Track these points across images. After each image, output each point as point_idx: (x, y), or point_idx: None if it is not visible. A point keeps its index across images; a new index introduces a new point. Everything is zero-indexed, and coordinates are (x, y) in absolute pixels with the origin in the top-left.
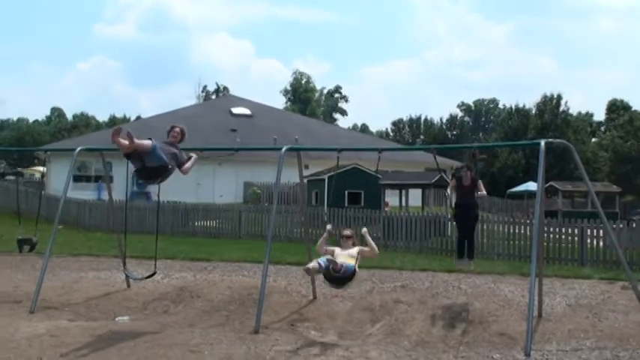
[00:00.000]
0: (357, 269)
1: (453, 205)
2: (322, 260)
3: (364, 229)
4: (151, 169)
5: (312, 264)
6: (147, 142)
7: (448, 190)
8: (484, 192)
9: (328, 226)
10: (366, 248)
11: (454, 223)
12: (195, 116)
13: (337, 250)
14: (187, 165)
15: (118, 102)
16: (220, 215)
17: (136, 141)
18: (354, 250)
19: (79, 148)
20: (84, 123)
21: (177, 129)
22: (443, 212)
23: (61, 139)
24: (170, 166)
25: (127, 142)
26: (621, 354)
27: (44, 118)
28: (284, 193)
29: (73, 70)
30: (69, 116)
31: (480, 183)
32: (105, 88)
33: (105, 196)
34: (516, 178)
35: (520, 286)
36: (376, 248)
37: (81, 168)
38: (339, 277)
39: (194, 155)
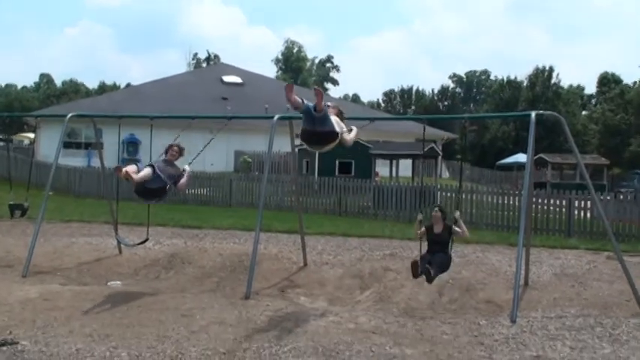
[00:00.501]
0: (339, 136)
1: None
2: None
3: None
4: (151, 190)
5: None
6: (147, 172)
7: (418, 231)
8: (465, 233)
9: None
10: (348, 135)
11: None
12: (186, 84)
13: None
14: (183, 181)
15: (107, 69)
16: (211, 183)
17: (136, 177)
18: (342, 124)
19: (70, 114)
20: (73, 89)
21: (176, 147)
22: (433, 182)
23: (50, 106)
24: (168, 186)
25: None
26: (604, 321)
27: (33, 85)
28: (275, 162)
29: (61, 35)
30: (58, 83)
31: (455, 228)
32: (94, 54)
33: (95, 162)
34: (506, 150)
35: (507, 256)
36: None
37: (71, 135)
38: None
39: (187, 168)
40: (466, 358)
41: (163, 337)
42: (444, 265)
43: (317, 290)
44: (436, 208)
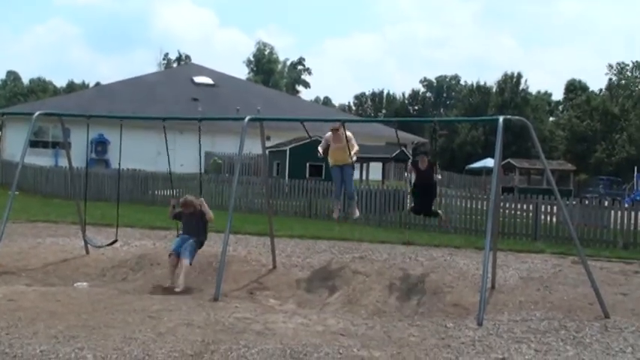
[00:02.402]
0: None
1: (412, 184)
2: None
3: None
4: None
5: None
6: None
7: (406, 174)
8: (439, 176)
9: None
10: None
11: (411, 196)
12: (156, 84)
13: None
14: (208, 214)
15: (76, 67)
16: (181, 184)
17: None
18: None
19: (37, 113)
20: (41, 88)
21: (185, 202)
22: (402, 186)
23: (16, 104)
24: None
25: None
26: (569, 324)
27: None
28: (245, 163)
29: (29, 33)
30: (25, 81)
31: (437, 167)
32: (63, 52)
33: (62, 162)
34: (475, 155)
35: (475, 259)
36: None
37: (38, 133)
38: None
39: (202, 200)
40: None
41: (130, 339)
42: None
43: (286, 292)
44: (422, 155)
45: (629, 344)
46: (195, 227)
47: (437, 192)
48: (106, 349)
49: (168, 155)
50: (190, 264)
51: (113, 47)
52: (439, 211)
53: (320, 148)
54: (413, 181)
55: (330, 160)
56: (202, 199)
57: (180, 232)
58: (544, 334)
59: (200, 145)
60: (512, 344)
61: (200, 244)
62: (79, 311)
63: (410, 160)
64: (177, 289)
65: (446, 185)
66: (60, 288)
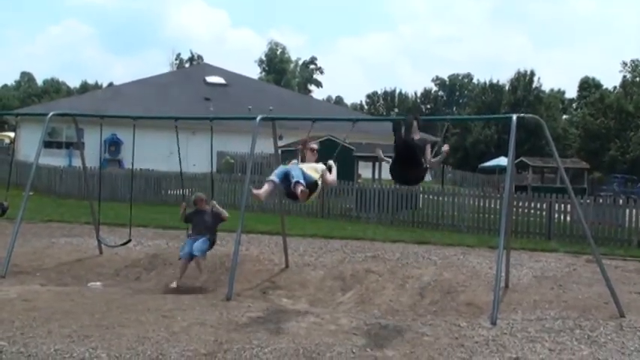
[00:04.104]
0: (319, 183)
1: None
2: (276, 174)
3: (331, 161)
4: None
5: (264, 186)
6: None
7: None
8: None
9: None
10: (329, 175)
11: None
12: (168, 84)
13: (301, 164)
14: (223, 213)
15: (89, 68)
16: (193, 184)
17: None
18: (320, 166)
19: (51, 113)
20: (54, 89)
21: (197, 199)
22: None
23: (30, 105)
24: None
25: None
26: (583, 323)
27: (13, 83)
28: (257, 163)
29: (43, 34)
30: (39, 81)
31: (428, 148)
32: (76, 53)
33: (76, 162)
34: (488, 153)
35: (488, 258)
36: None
37: (51, 134)
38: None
39: (214, 202)
40: None
41: (143, 338)
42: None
43: (298, 292)
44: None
45: None
46: (205, 227)
47: (424, 175)
48: (120, 348)
49: (179, 155)
50: (204, 258)
51: (126, 48)
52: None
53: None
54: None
55: None
56: (214, 202)
57: (190, 232)
58: (558, 333)
59: (212, 144)
60: (526, 344)
61: (211, 243)
62: (92, 311)
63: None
64: (198, 283)
65: (459, 184)
66: (74, 288)
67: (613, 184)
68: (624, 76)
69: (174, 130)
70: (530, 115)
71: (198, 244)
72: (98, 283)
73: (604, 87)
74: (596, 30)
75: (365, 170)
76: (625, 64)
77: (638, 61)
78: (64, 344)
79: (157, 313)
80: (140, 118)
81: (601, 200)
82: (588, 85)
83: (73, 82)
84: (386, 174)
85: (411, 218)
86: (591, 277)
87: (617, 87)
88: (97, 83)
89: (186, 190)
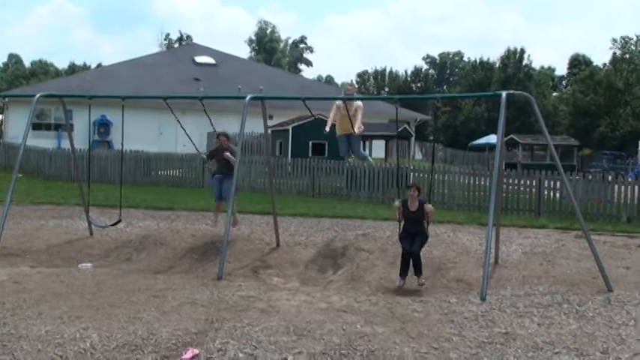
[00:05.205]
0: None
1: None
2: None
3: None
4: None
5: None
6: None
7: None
8: (430, 218)
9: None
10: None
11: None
12: (157, 65)
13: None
14: (231, 159)
15: (78, 49)
16: (183, 165)
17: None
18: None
19: (38, 95)
20: (42, 70)
21: (219, 134)
22: (405, 163)
23: (18, 87)
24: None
25: None
26: (571, 298)
27: (1, 65)
28: (248, 143)
29: (31, 15)
30: (27, 63)
31: (428, 209)
32: (65, 34)
33: (65, 144)
34: (478, 131)
35: (478, 235)
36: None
37: (40, 116)
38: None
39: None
40: (436, 335)
41: (134, 318)
42: (424, 242)
43: (289, 271)
44: (413, 187)
45: (631, 317)
46: (225, 167)
47: (427, 238)
48: (111, 328)
49: (181, 126)
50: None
51: (115, 28)
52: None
53: (328, 122)
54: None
55: (338, 130)
56: (228, 153)
57: (214, 171)
58: (547, 308)
59: (211, 122)
60: (515, 318)
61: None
62: (83, 292)
63: (400, 200)
64: (235, 227)
65: (449, 162)
66: (64, 269)
67: (602, 161)
68: (614, 53)
69: (164, 110)
70: (520, 93)
71: (226, 187)
72: (89, 265)
73: (594, 64)
74: (587, 7)
75: None
76: (615, 40)
77: (627, 37)
78: (55, 325)
79: (148, 293)
80: (128, 98)
81: (590, 177)
82: (578, 62)
83: (62, 64)
84: (376, 153)
85: (402, 196)
86: (580, 253)
87: (607, 64)
88: (85, 64)
89: (177, 170)
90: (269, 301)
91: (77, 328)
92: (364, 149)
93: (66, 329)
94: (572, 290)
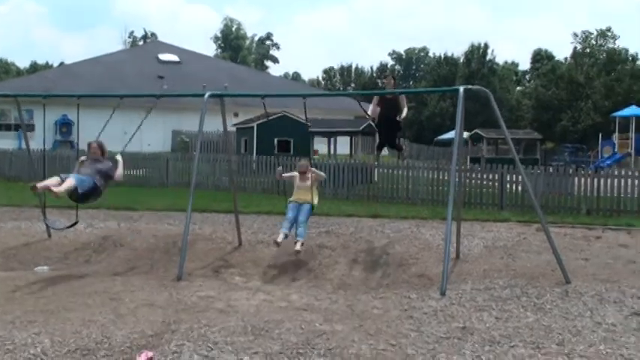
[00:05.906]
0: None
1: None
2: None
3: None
4: (84, 194)
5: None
6: (71, 182)
7: (369, 112)
8: (404, 111)
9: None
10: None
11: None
12: (121, 63)
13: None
14: (118, 171)
15: (39, 48)
16: (147, 164)
17: (60, 189)
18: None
19: None
20: (3, 70)
21: (94, 145)
22: (370, 160)
23: None
24: (100, 185)
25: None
26: (530, 291)
27: None
28: (212, 141)
29: None
30: None
31: (404, 98)
32: (25, 33)
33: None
34: (444, 126)
35: (441, 230)
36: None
37: (0, 116)
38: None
39: (119, 158)
40: (394, 332)
41: (89, 322)
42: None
43: (251, 270)
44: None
45: (588, 308)
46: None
47: (401, 126)
48: (64, 333)
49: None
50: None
51: (77, 26)
52: (403, 147)
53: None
54: (376, 118)
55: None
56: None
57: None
58: (505, 301)
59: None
60: (473, 313)
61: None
62: (37, 295)
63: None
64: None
65: (415, 157)
66: (19, 272)
67: (564, 154)
68: (575, 47)
69: (128, 110)
70: (478, 87)
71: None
72: (45, 268)
73: (556, 58)
74: (549, 2)
75: (320, 146)
76: (576, 35)
77: (588, 32)
78: (6, 330)
79: (105, 295)
80: (84, 97)
81: (551, 170)
82: (541, 57)
83: (23, 63)
84: (341, 149)
85: (367, 192)
86: (540, 246)
87: (568, 58)
88: (47, 63)
89: (141, 170)
90: (228, 301)
91: (29, 333)
92: (330, 147)
93: (17, 334)
94: (531, 283)
